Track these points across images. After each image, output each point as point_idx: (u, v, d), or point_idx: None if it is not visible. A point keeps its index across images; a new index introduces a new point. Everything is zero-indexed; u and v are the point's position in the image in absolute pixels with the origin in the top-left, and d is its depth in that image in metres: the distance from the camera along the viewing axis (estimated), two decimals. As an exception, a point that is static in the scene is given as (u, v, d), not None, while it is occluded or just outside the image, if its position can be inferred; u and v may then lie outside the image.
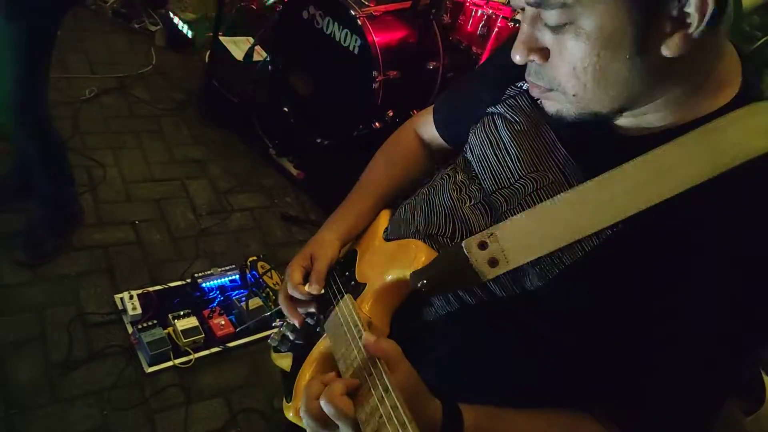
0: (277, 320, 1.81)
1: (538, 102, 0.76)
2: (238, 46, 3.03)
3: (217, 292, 2.16)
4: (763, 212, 0.60)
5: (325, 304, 0.90)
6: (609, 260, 0.65)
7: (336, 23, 2.47)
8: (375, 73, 2.37)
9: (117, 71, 3.13)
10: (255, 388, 1.95)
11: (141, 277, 2.16)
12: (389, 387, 0.58)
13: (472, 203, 0.80)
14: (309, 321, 0.93)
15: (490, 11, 2.42)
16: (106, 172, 2.54)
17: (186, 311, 2.01)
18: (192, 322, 1.98)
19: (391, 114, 2.54)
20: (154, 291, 2.08)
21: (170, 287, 2.13)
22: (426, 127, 1.04)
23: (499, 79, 0.83)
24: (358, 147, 2.47)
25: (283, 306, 0.95)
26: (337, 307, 0.84)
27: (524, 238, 0.69)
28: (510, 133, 0.78)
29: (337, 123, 2.64)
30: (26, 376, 1.75)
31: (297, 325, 0.95)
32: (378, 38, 2.37)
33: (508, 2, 2.39)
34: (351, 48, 2.45)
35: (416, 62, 2.53)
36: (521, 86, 0.80)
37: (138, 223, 2.37)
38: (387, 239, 0.91)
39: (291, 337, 0.96)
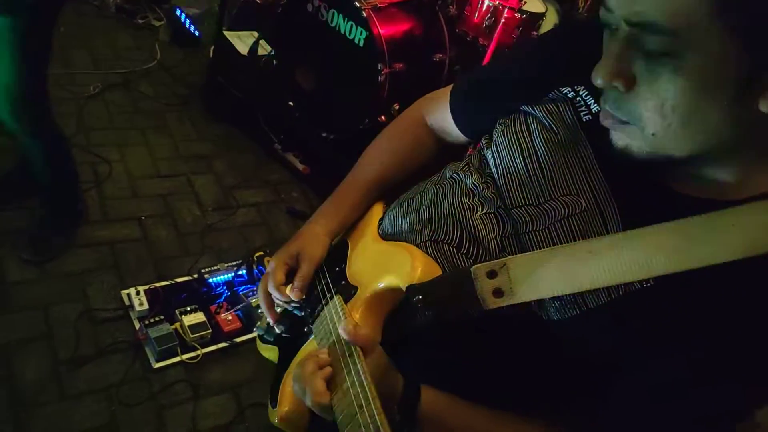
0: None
1: (583, 117, 0.70)
2: (242, 41, 3.01)
3: (224, 288, 2.15)
4: None
5: (313, 300, 0.86)
6: (626, 312, 0.63)
7: (341, 15, 2.45)
8: (381, 65, 2.36)
9: (121, 67, 3.12)
10: (263, 383, 1.94)
11: (147, 273, 2.15)
12: (360, 371, 0.63)
13: (483, 212, 0.75)
14: (297, 313, 0.89)
15: (497, 2, 2.40)
16: (111, 168, 2.53)
17: (193, 307, 2.01)
18: (199, 317, 1.98)
19: (397, 107, 2.52)
20: (161, 287, 2.07)
21: (177, 283, 2.13)
22: (438, 113, 0.94)
23: (542, 78, 0.76)
24: (364, 141, 2.45)
25: (261, 300, 0.90)
26: (326, 309, 0.81)
27: (537, 276, 0.66)
28: (545, 143, 0.72)
29: (342, 117, 2.63)
30: (33, 374, 1.74)
31: (271, 322, 0.90)
32: (383, 30, 2.35)
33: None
34: (356, 40, 2.42)
35: (422, 54, 2.51)
36: (565, 93, 0.73)
37: (144, 219, 2.36)
38: (383, 236, 0.86)
39: (277, 330, 0.91)
